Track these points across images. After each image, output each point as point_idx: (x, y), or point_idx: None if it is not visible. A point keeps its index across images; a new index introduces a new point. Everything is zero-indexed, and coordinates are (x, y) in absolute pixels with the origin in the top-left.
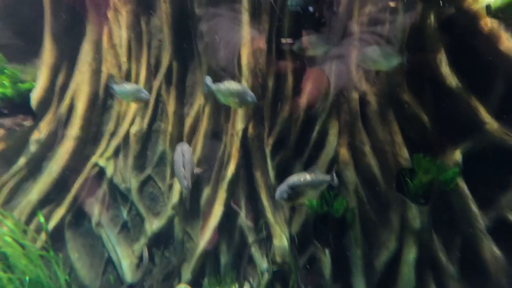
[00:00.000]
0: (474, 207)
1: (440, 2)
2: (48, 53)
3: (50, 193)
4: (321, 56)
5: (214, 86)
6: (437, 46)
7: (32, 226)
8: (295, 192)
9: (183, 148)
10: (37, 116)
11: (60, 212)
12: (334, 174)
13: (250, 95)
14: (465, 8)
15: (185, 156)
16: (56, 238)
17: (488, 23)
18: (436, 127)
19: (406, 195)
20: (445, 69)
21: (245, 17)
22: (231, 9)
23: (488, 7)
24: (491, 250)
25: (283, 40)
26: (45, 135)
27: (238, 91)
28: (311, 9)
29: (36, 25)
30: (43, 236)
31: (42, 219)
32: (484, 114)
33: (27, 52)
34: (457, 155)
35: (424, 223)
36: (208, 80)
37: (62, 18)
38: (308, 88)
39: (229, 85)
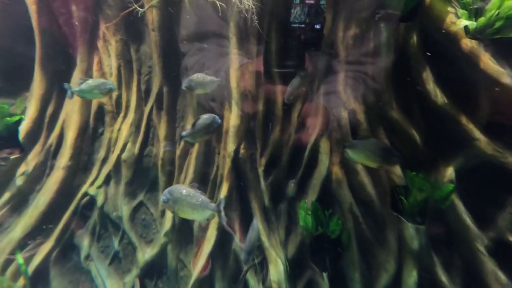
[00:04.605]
0: (472, 226)
1: (420, 23)
2: (37, 84)
3: (36, 227)
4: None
5: (351, 147)
6: (422, 64)
7: (14, 266)
8: (173, 199)
9: (203, 116)
10: (25, 148)
11: (46, 247)
12: (222, 210)
13: (395, 154)
14: (445, 29)
15: (200, 119)
16: (41, 276)
17: (468, 43)
18: (426, 143)
19: (401, 214)
20: (432, 87)
21: (233, 41)
22: (217, 42)
23: (466, 28)
24: (495, 274)
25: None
26: (32, 168)
27: (382, 149)
28: (317, 26)
29: (28, 60)
30: (21, 280)
31: (21, 260)
32: (474, 130)
33: (18, 86)
34: (450, 172)
35: (422, 244)
36: (348, 143)
37: (52, 49)
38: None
39: (369, 141)
